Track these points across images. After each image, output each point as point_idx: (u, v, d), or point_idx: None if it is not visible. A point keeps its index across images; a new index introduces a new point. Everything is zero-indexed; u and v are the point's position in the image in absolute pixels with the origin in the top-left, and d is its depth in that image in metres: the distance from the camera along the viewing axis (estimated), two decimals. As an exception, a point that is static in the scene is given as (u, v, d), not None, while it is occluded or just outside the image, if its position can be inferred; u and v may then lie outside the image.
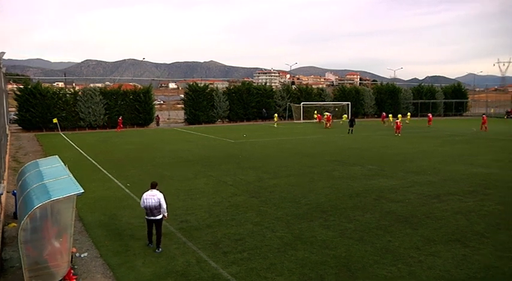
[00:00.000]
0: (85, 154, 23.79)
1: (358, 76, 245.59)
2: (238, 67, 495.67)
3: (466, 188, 14.70)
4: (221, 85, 68.97)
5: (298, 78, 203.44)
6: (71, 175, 8.34)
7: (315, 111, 52.07)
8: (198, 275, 7.88)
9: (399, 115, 42.65)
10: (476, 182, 15.70)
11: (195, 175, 17.46)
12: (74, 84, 60.92)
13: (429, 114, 48.35)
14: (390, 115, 49.59)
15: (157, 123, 48.24)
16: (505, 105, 73.24)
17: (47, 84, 47.54)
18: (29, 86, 40.09)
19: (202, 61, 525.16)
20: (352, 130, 36.78)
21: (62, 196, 6.94)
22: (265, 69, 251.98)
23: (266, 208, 12.31)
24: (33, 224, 6.84)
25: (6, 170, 17.23)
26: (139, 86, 50.78)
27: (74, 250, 8.33)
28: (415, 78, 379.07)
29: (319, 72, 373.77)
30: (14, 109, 42.80)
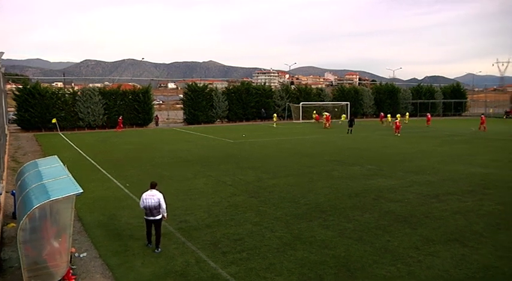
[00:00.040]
0: (84, 154, 23.76)
1: (357, 76, 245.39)
2: (237, 67, 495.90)
3: (465, 188, 14.72)
4: (220, 85, 68.83)
5: (297, 78, 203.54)
6: (70, 175, 8.33)
7: (314, 112, 52.12)
8: (197, 275, 7.89)
9: (398, 115, 42.71)
10: (475, 182, 15.72)
11: (194, 175, 17.46)
12: (73, 84, 60.81)
13: (428, 114, 48.43)
14: (389, 115, 49.63)
15: (157, 124, 48.16)
16: (504, 105, 73.44)
17: (46, 84, 47.45)
18: (28, 86, 40.00)
19: (201, 61, 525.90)
20: (351, 130, 36.79)
21: (61, 196, 6.93)
22: (265, 69, 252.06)
23: (265, 208, 12.32)
24: (32, 224, 6.83)
25: (5, 170, 17.23)
26: (139, 86, 50.63)
27: (73, 250, 8.32)
28: (414, 78, 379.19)
29: (319, 72, 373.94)
30: (13, 109, 42.68)
